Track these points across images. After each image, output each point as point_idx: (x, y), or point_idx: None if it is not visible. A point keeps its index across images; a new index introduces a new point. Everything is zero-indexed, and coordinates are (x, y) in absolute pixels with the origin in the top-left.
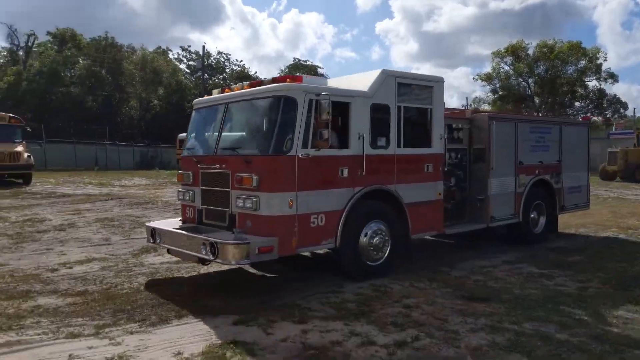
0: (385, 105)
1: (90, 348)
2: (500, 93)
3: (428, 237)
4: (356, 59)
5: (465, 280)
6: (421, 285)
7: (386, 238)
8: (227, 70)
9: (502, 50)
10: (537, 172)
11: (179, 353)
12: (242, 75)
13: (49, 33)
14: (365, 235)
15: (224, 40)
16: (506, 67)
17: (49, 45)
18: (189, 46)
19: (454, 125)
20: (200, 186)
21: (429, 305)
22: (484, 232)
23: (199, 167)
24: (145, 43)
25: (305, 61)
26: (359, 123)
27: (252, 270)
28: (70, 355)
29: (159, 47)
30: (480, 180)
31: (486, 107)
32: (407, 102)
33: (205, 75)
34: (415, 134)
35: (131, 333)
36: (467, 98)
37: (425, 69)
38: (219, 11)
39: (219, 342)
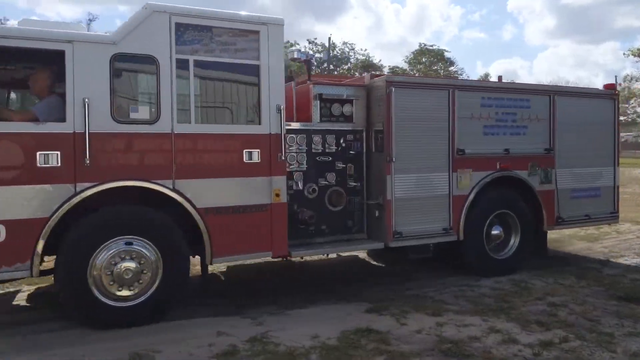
0: (146, 57)
1: (233, 327)
2: None
3: None
4: (485, 40)
5: (620, 278)
6: (567, 283)
7: (148, 266)
8: (352, 60)
9: None
10: (498, 165)
11: (316, 336)
12: (367, 64)
13: None
14: (99, 261)
15: (346, 30)
16: None
17: None
18: (315, 39)
19: (324, 95)
20: None
21: (578, 304)
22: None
23: None
24: None
25: (432, 45)
26: (86, 83)
27: (375, 262)
28: (218, 332)
29: (287, 42)
30: (377, 178)
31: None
32: (205, 55)
33: (331, 66)
34: (228, 103)
35: (270, 314)
36: (615, 76)
37: (565, 45)
38: (342, 0)
39: (353, 328)
